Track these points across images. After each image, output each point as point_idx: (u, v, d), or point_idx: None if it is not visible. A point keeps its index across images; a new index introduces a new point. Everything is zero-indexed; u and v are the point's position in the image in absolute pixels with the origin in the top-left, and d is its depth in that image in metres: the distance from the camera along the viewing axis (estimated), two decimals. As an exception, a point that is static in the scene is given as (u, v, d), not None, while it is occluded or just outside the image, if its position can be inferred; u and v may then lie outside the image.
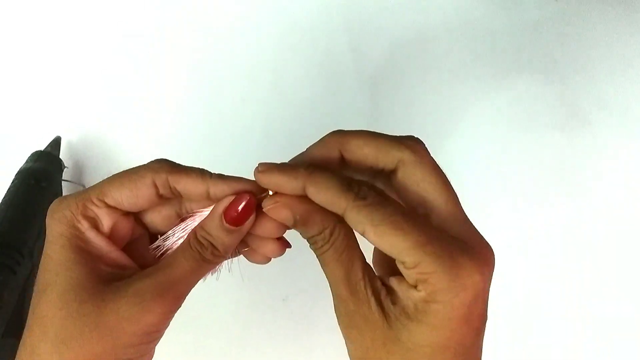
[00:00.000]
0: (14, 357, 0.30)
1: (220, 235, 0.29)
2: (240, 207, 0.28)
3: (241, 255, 0.33)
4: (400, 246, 0.25)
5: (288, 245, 0.32)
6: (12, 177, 0.52)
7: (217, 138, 0.59)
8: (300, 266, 0.53)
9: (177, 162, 0.30)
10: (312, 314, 0.53)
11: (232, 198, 0.29)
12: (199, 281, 0.31)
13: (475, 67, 0.57)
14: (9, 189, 0.51)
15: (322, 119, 0.58)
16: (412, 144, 0.29)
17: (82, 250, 0.28)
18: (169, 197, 0.30)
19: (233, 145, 0.59)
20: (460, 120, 0.56)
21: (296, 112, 0.58)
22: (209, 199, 0.30)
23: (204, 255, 0.29)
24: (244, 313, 0.53)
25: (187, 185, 0.29)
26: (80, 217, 0.28)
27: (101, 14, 0.63)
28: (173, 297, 0.27)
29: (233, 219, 0.28)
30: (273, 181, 0.28)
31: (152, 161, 0.30)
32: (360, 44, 0.59)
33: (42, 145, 0.56)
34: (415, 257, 0.24)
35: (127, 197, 0.29)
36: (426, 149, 0.30)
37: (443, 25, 0.58)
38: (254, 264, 0.32)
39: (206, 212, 0.30)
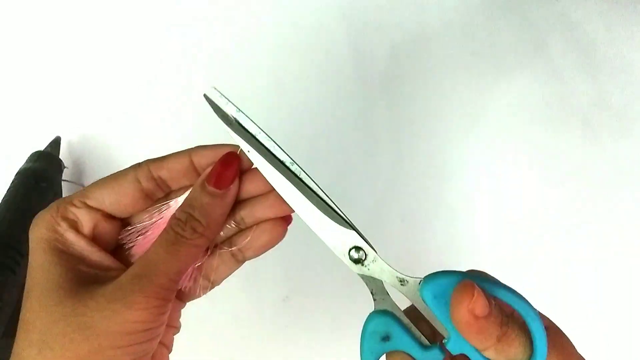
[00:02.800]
0: None
1: (203, 201, 0.27)
2: (220, 165, 0.27)
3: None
4: None
5: (288, 220, 0.30)
6: (12, 177, 0.52)
7: (216, 138, 0.59)
8: (300, 266, 0.53)
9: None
10: (312, 314, 0.53)
11: (212, 166, 0.28)
12: (196, 295, 0.30)
13: (475, 67, 0.57)
14: (8, 189, 0.51)
15: (322, 118, 0.58)
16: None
17: (61, 252, 0.27)
18: (155, 193, 0.29)
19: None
20: (460, 120, 0.56)
21: (296, 112, 0.58)
22: (195, 173, 0.29)
23: (181, 234, 0.26)
24: (244, 313, 0.53)
25: (170, 166, 0.28)
26: (59, 219, 0.27)
27: (101, 14, 0.63)
28: (154, 289, 0.25)
29: (216, 179, 0.27)
30: None
31: (132, 165, 0.29)
32: (360, 44, 0.59)
33: (41, 146, 0.56)
34: None
35: (109, 196, 0.28)
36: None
37: (443, 25, 0.58)
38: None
39: (184, 197, 0.28)
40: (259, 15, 0.61)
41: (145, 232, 0.29)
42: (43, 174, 0.53)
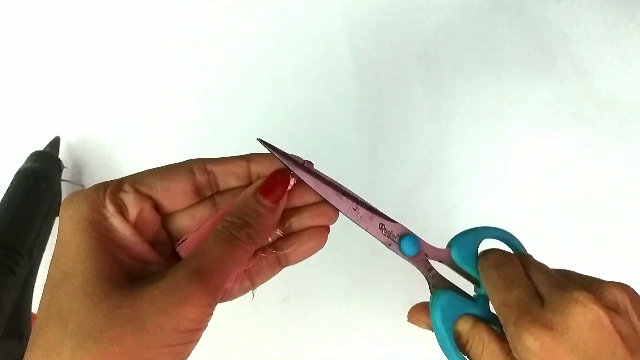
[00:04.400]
0: (13, 358, 0.29)
1: (255, 209, 0.27)
2: (273, 179, 0.28)
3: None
4: None
5: (329, 228, 0.31)
6: (11, 177, 0.52)
7: (216, 138, 0.59)
8: (300, 266, 0.53)
9: (175, 160, 0.30)
10: (312, 314, 0.53)
11: (264, 178, 0.28)
12: (237, 295, 0.30)
13: (475, 67, 0.57)
14: (8, 189, 0.51)
15: (322, 118, 0.58)
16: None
17: (106, 238, 0.25)
18: (204, 188, 0.29)
19: (233, 145, 0.59)
20: (460, 120, 0.56)
21: (296, 112, 0.58)
22: (248, 178, 0.29)
23: (237, 236, 0.26)
24: (244, 313, 0.53)
25: (227, 166, 0.28)
26: (107, 200, 0.25)
27: (100, 15, 0.63)
28: (211, 285, 0.24)
29: (269, 191, 0.27)
30: None
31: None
32: (360, 44, 0.59)
33: (41, 146, 0.56)
34: None
35: (162, 182, 0.27)
36: None
37: (443, 24, 0.58)
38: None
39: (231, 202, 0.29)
40: (258, 15, 0.61)
41: (195, 231, 0.29)
42: (42, 174, 0.52)
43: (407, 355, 0.52)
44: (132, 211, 0.26)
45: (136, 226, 0.27)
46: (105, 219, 0.25)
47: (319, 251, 0.31)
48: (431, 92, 0.57)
